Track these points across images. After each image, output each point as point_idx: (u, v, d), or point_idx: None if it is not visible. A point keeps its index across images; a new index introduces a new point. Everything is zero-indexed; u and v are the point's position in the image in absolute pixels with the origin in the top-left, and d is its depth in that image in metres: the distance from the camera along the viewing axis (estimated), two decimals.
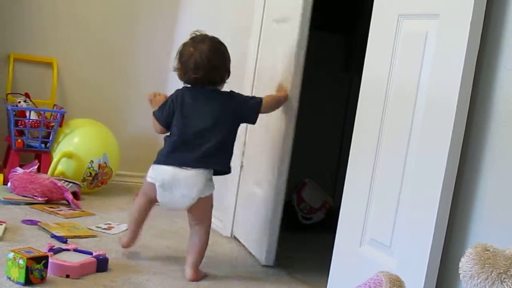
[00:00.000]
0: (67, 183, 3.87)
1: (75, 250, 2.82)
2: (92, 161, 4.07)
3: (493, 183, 2.12)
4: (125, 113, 4.76)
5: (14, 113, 4.05)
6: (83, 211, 3.71)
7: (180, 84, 2.95)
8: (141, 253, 3.08)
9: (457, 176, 2.19)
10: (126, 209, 3.91)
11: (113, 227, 3.45)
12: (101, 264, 2.73)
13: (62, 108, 4.26)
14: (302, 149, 3.38)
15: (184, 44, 2.89)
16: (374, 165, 2.49)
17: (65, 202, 3.78)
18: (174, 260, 3.03)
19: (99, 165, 4.09)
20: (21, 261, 2.42)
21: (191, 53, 2.82)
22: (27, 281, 2.42)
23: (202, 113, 2.83)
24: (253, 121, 2.96)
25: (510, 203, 2.05)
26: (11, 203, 3.63)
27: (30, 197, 3.70)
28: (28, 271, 2.42)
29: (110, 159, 4.16)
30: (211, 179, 2.83)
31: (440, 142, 2.17)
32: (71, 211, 3.66)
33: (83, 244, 3.01)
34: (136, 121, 4.78)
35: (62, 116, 4.16)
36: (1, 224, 3.09)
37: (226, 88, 2.94)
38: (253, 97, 3.01)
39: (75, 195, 3.86)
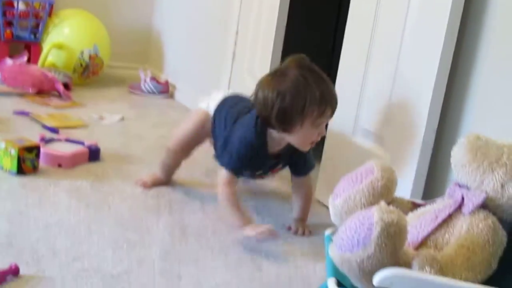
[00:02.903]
0: (58, 74, 3.84)
1: (67, 140, 2.83)
2: (82, 52, 4.02)
3: (488, 72, 2.11)
4: (115, 3, 4.67)
5: (1, 2, 3.98)
6: (75, 102, 3.69)
7: None
8: (134, 143, 3.08)
9: (452, 64, 2.17)
10: (118, 100, 3.91)
11: (105, 118, 3.44)
12: (93, 154, 2.74)
13: None
14: (295, 38, 3.34)
15: None
16: (368, 52, 2.46)
17: (56, 93, 3.76)
18: None
19: (90, 56, 4.05)
20: (12, 151, 2.42)
21: None
22: (20, 170, 2.43)
23: None
24: None
25: (504, 94, 2.04)
26: (2, 95, 3.60)
27: (21, 88, 3.67)
28: (20, 160, 2.42)
29: (101, 50, 4.11)
30: None
31: (438, 18, 2.15)
32: (63, 102, 3.64)
33: (75, 134, 3.01)
34: (126, 11, 4.71)
35: (51, 6, 4.09)
36: None
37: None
38: None
39: (66, 86, 3.83)
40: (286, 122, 2.16)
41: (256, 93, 2.21)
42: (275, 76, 2.20)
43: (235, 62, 3.51)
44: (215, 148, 2.53)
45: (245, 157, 2.27)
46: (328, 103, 2.17)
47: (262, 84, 2.21)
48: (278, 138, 2.26)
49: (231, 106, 2.46)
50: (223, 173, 2.28)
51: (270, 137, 2.27)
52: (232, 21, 3.54)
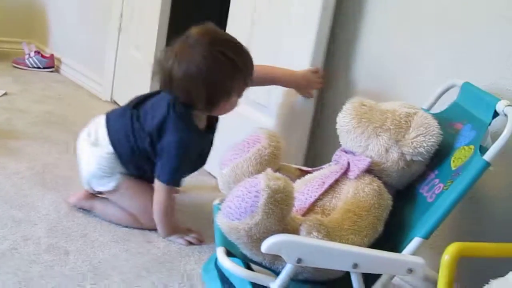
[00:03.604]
0: None
1: None
2: None
3: (367, 35, 2.14)
4: None
5: None
6: None
7: None
8: (18, 119, 2.99)
9: (330, 34, 2.20)
10: (1, 75, 3.78)
11: None
12: None
13: None
14: (183, 12, 3.30)
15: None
16: (252, 21, 2.46)
17: None
18: (55, 125, 2.96)
19: None
20: None
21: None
22: None
23: None
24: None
25: (382, 56, 2.08)
26: None
27: None
28: None
29: None
30: None
31: None
32: None
33: None
34: None
35: None
36: None
37: None
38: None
39: None
40: (214, 104, 1.99)
41: (168, 73, 1.95)
42: (191, 54, 1.93)
43: (121, 35, 3.45)
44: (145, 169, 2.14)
45: (185, 157, 2.04)
46: (250, 70, 2.00)
47: (177, 64, 1.94)
48: (201, 114, 2.07)
49: (130, 127, 2.13)
50: (163, 188, 2.05)
51: (195, 117, 2.05)
52: None
